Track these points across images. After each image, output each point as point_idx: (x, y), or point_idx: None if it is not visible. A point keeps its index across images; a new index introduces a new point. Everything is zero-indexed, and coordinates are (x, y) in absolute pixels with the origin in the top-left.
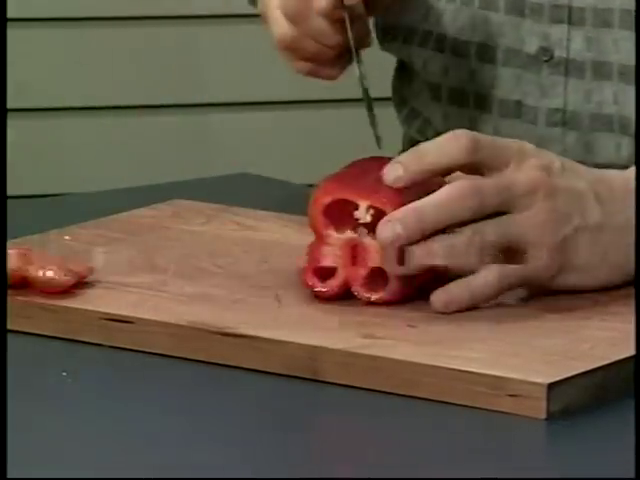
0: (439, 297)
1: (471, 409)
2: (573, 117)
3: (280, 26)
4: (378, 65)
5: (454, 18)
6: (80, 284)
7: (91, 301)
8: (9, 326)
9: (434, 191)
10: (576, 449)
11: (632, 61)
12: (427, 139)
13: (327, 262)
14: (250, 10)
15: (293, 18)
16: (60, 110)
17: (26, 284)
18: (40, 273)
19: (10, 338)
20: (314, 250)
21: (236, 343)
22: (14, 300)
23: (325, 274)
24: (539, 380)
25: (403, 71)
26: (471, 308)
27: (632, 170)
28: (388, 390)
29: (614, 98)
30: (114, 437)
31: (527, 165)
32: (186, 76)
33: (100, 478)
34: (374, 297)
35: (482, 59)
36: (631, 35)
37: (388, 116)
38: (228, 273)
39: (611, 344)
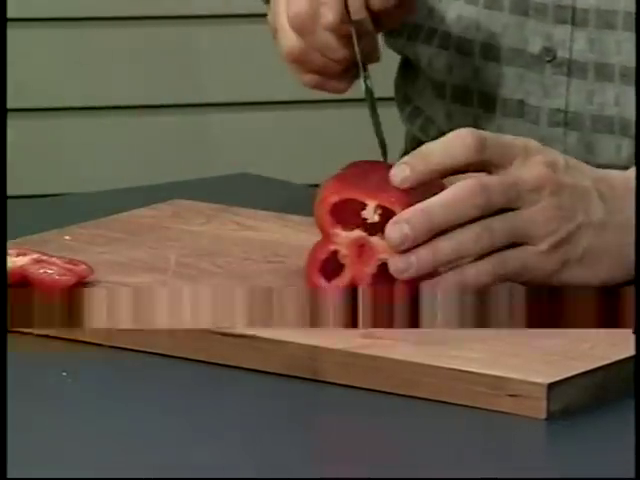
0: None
1: (471, 409)
2: (575, 118)
3: (288, 39)
4: (380, 63)
5: (458, 16)
6: (80, 284)
7: None
8: (9, 326)
9: (441, 190)
10: (576, 449)
11: (634, 63)
12: (430, 137)
13: (334, 261)
14: (250, 10)
15: (300, 31)
16: (60, 110)
17: (26, 284)
18: (40, 273)
19: (10, 338)
20: (320, 249)
21: (236, 343)
22: (14, 300)
23: (331, 273)
24: (539, 380)
25: (407, 69)
26: None
27: (632, 170)
28: (388, 390)
29: (615, 100)
30: (114, 437)
31: (533, 161)
32: (186, 76)
33: (100, 478)
34: None
35: (486, 58)
36: (634, 37)
37: (391, 115)
38: (228, 273)
39: (611, 344)
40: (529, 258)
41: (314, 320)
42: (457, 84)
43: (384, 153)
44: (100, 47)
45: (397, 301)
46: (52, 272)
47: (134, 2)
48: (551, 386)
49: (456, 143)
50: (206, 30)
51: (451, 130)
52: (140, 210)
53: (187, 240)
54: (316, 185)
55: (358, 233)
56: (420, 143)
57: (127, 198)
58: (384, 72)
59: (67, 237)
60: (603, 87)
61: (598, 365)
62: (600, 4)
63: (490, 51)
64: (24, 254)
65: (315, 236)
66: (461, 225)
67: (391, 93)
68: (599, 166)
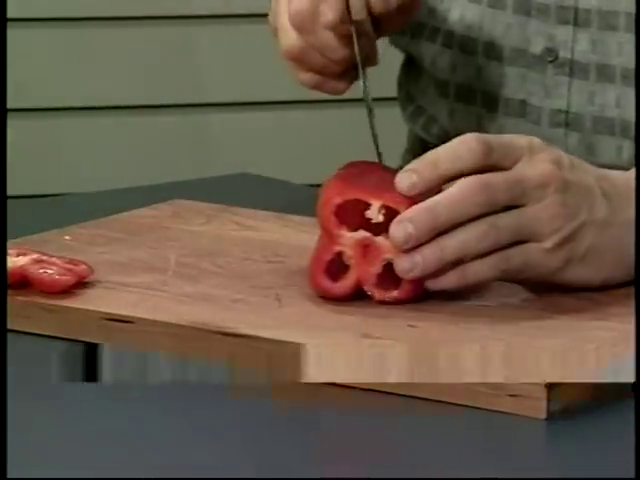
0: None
1: (471, 409)
2: (576, 119)
3: (288, 37)
4: (382, 62)
5: (461, 15)
6: (80, 284)
7: (91, 301)
8: (9, 326)
9: (444, 188)
10: (576, 449)
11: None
12: (432, 136)
13: (339, 262)
14: (250, 10)
15: (301, 29)
16: (60, 110)
17: (26, 284)
18: (40, 273)
19: (10, 338)
20: (324, 251)
21: (236, 343)
22: (14, 300)
23: (336, 274)
24: (539, 380)
25: (410, 67)
26: (470, 309)
27: (633, 171)
28: (388, 390)
29: (616, 101)
30: (114, 437)
31: (538, 159)
32: (186, 76)
33: (100, 478)
34: (388, 296)
35: (489, 57)
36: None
37: (393, 115)
38: (228, 273)
39: (611, 344)
40: (533, 255)
41: None
42: (460, 83)
43: (379, 154)
44: (100, 47)
45: None
46: (52, 272)
47: (134, 2)
48: (551, 386)
49: (462, 149)
50: (206, 30)
51: (454, 129)
52: (140, 210)
53: (187, 240)
54: (316, 185)
55: (363, 233)
56: (423, 142)
57: (127, 198)
58: (386, 71)
59: (67, 237)
60: (604, 88)
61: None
62: (602, 5)
63: (493, 50)
64: (24, 254)
65: (316, 236)
66: (465, 223)
67: (393, 92)
68: (600, 167)
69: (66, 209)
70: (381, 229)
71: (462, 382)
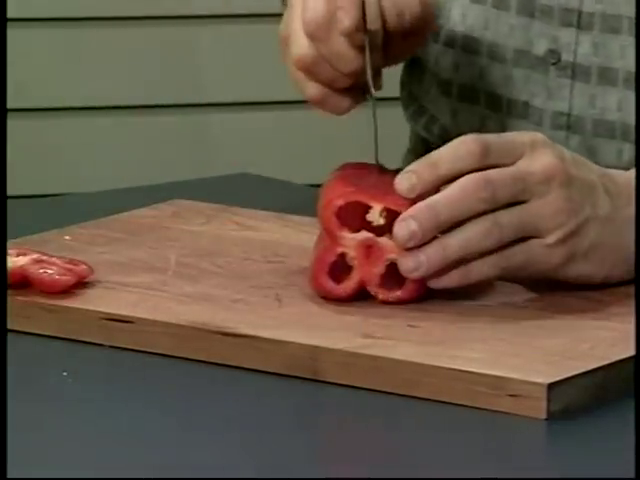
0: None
1: (471, 409)
2: (577, 121)
3: (300, 45)
4: None
5: (463, 15)
6: (80, 284)
7: (91, 301)
8: (9, 326)
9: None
10: (576, 449)
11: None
12: (434, 135)
13: (342, 263)
14: (250, 10)
15: (314, 37)
16: (60, 110)
17: (26, 284)
18: (40, 273)
19: (10, 338)
20: (327, 252)
21: (236, 343)
22: (14, 300)
23: (339, 276)
24: (539, 380)
25: (413, 66)
26: (471, 309)
27: (633, 171)
28: (388, 390)
29: (618, 105)
30: (114, 437)
31: (541, 153)
32: (186, 76)
33: (100, 478)
34: (391, 297)
35: (493, 57)
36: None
37: (394, 115)
38: (228, 273)
39: (611, 344)
40: (535, 251)
41: None
42: (463, 83)
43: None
44: (100, 47)
45: None
46: (52, 272)
47: (134, 2)
48: (551, 386)
49: (461, 150)
50: (206, 30)
51: (455, 128)
52: (140, 210)
53: (187, 240)
54: (316, 185)
55: (365, 234)
56: (425, 142)
57: (127, 198)
58: (388, 71)
59: (67, 237)
60: (606, 91)
61: (598, 365)
62: (606, 8)
63: (496, 51)
64: (24, 254)
65: (315, 236)
66: (468, 220)
67: (395, 92)
68: None
69: (66, 209)
70: (383, 231)
71: (461, 380)
